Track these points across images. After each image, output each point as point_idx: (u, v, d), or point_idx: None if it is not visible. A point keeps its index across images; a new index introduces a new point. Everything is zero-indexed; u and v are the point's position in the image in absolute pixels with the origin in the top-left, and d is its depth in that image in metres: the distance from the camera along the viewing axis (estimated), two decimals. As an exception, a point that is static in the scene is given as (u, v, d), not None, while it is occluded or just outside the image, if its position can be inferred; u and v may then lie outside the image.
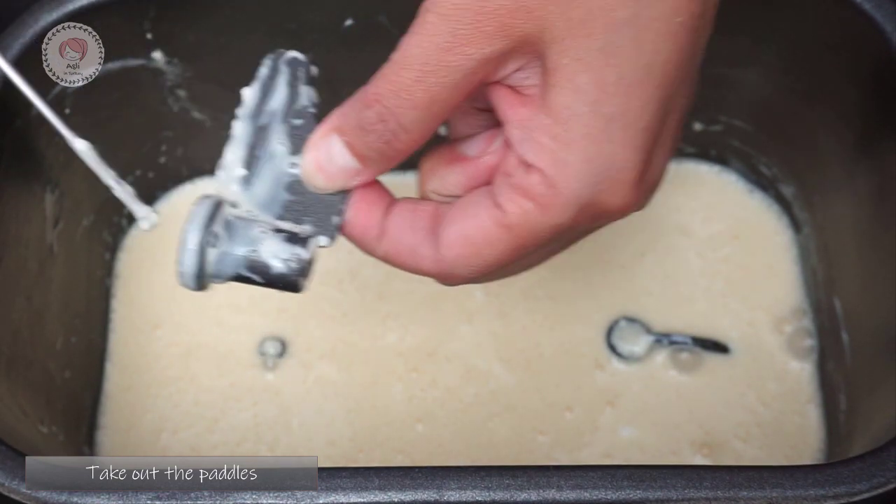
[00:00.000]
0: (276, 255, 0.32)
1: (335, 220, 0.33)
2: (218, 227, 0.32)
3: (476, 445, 0.48)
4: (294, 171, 0.33)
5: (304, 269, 0.32)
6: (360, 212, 0.33)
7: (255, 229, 0.32)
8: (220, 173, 0.33)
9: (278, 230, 0.32)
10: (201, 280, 0.32)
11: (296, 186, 0.33)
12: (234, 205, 0.33)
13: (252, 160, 0.33)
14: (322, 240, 0.33)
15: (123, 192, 0.36)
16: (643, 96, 0.29)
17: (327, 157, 0.32)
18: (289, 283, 0.32)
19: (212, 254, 0.32)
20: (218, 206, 0.32)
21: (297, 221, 0.33)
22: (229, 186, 0.33)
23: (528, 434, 0.48)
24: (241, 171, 0.33)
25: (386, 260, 0.33)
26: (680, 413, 0.49)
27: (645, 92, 0.29)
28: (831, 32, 0.44)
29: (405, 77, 0.29)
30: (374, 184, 0.33)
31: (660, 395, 0.49)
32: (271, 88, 0.34)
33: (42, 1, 0.43)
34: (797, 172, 0.51)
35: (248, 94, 0.34)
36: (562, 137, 0.29)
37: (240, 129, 0.33)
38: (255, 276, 0.32)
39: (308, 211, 0.33)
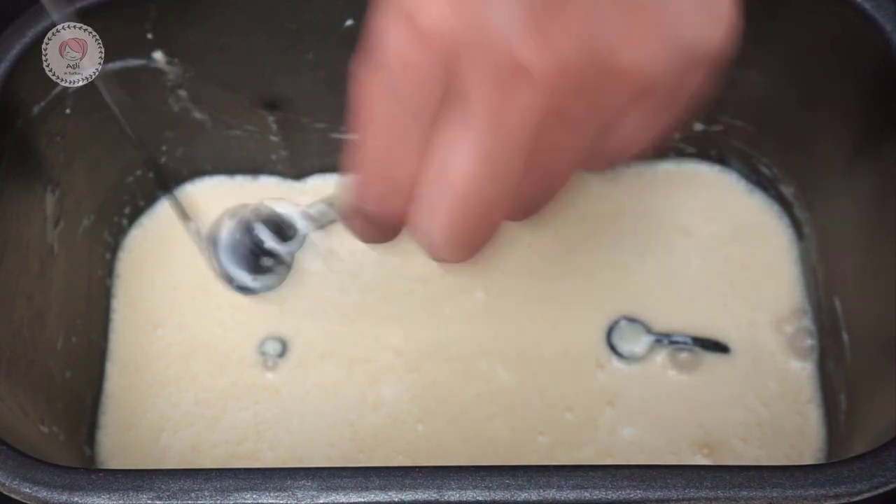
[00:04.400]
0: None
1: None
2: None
3: (476, 445, 0.48)
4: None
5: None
6: None
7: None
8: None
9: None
10: (229, 280, 0.36)
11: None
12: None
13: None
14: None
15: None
16: None
17: None
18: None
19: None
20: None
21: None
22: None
23: (528, 434, 0.48)
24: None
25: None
26: (680, 413, 0.49)
27: None
28: (831, 33, 0.44)
29: None
30: None
31: (660, 395, 0.49)
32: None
33: (42, 1, 0.43)
34: (797, 172, 0.51)
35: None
36: None
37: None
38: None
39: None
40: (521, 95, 0.27)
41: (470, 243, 0.30)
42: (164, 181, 0.40)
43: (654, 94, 0.29)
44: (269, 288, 0.36)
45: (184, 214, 0.39)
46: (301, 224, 0.34)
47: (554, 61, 0.26)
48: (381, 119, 0.29)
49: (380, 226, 0.31)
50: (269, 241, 0.34)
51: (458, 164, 0.28)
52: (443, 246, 0.30)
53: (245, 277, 0.36)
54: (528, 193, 0.30)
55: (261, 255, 0.35)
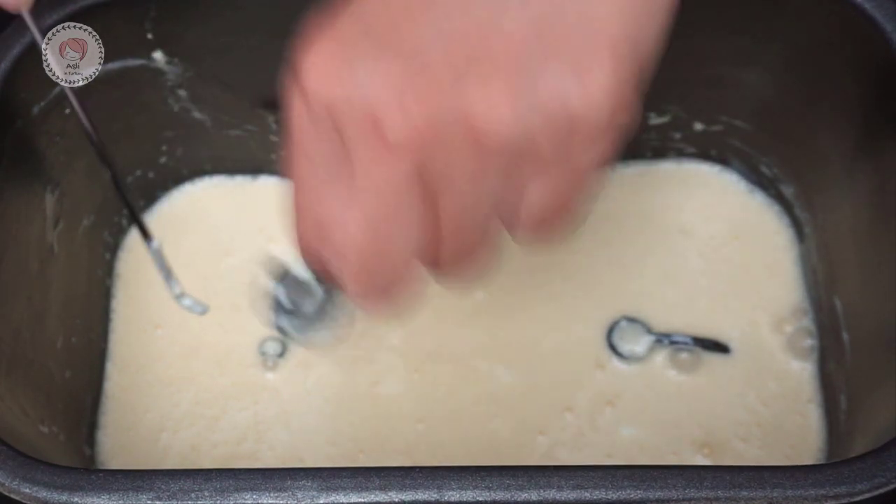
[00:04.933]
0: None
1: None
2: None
3: (476, 445, 0.48)
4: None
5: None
6: None
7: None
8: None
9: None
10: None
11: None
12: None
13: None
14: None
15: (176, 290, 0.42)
16: None
17: None
18: None
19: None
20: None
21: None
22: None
23: (528, 434, 0.48)
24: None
25: None
26: (680, 413, 0.49)
27: None
28: (831, 32, 0.44)
29: None
30: None
31: (660, 395, 0.49)
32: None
33: (42, 1, 0.43)
34: (798, 172, 0.51)
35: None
36: None
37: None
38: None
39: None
40: (383, 153, 0.28)
41: (378, 295, 0.32)
42: (129, 203, 0.41)
43: (539, 161, 0.29)
44: (319, 340, 0.39)
45: (145, 235, 0.41)
46: (311, 279, 0.36)
47: (406, 120, 0.28)
48: (301, 182, 0.31)
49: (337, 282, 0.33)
50: (282, 297, 0.36)
51: (344, 219, 0.30)
52: (352, 294, 0.33)
53: (286, 325, 0.38)
54: (442, 258, 0.32)
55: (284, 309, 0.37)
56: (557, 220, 0.31)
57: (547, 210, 0.31)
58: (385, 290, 0.32)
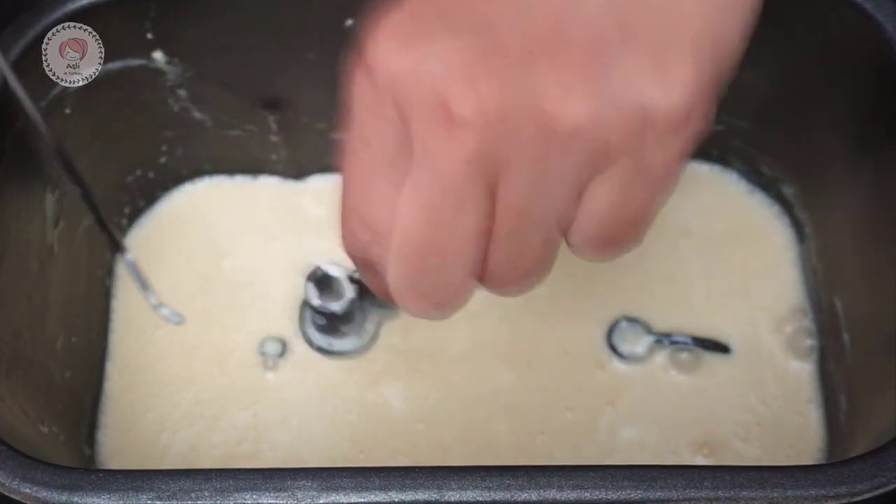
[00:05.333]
0: None
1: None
2: None
3: (476, 445, 0.48)
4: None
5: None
6: None
7: None
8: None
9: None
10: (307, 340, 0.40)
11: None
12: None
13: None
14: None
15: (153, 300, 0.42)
16: None
17: None
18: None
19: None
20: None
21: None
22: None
23: (528, 434, 0.48)
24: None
25: None
26: (680, 413, 0.49)
27: None
28: (832, 33, 0.44)
29: None
30: None
31: (660, 395, 0.49)
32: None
33: (42, 1, 0.43)
34: (798, 173, 0.51)
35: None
36: None
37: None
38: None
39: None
40: (451, 140, 0.27)
41: (427, 295, 0.30)
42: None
43: (609, 157, 0.28)
44: (344, 351, 0.39)
45: (119, 248, 0.40)
46: (346, 284, 0.36)
47: (475, 97, 0.26)
48: (356, 168, 0.29)
49: (379, 282, 0.31)
50: (314, 299, 0.36)
51: (402, 210, 0.28)
52: (398, 293, 0.30)
53: (316, 337, 0.39)
54: (498, 262, 0.30)
55: (318, 315, 0.37)
56: (622, 226, 0.30)
57: (612, 213, 0.29)
58: (433, 289, 0.30)
